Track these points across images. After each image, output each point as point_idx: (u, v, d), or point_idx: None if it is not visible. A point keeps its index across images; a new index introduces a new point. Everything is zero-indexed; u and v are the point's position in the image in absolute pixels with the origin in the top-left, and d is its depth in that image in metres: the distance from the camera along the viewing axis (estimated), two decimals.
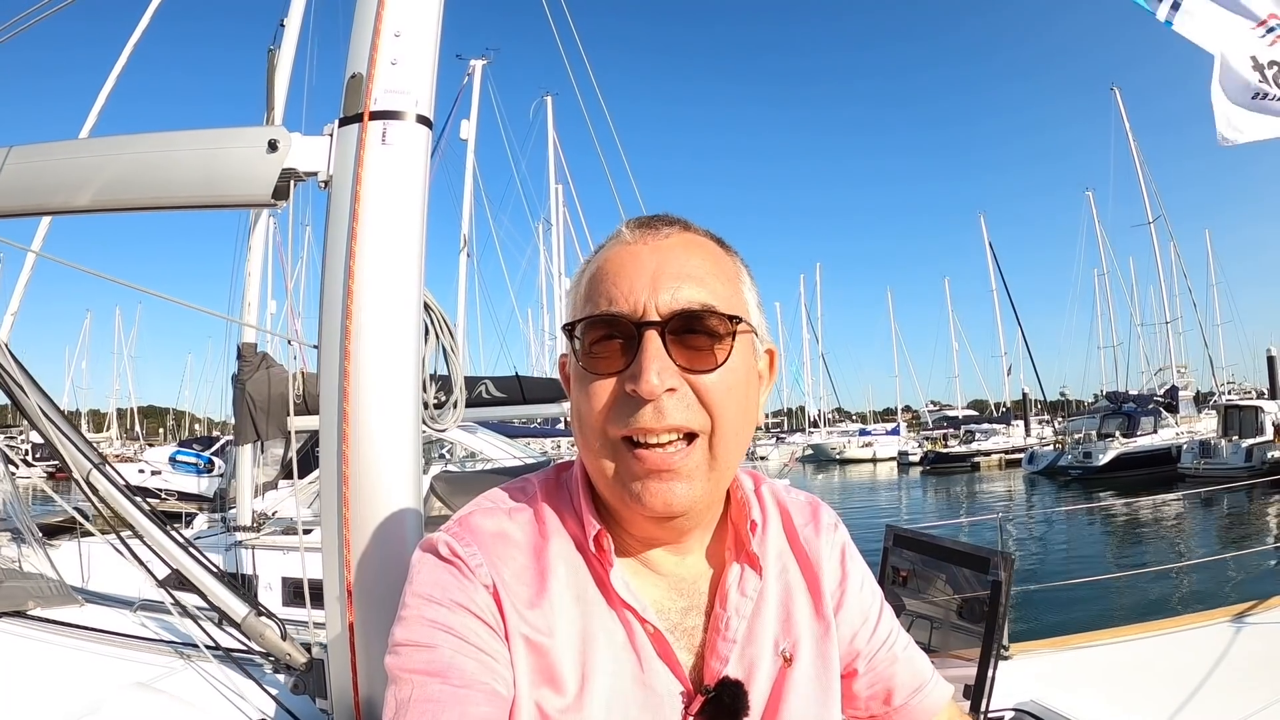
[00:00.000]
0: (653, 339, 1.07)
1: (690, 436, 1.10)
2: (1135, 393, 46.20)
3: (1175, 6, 7.65)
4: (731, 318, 1.12)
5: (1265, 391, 42.07)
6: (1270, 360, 41.45)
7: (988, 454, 52.39)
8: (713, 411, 1.10)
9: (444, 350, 2.62)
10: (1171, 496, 25.58)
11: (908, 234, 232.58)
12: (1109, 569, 14.94)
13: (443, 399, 2.77)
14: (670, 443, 1.09)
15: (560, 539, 1.21)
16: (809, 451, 65.64)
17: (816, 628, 1.29)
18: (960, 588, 2.81)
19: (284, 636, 2.26)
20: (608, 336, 1.11)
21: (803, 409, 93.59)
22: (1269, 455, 31.80)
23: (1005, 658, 3.42)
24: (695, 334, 1.10)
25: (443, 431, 2.82)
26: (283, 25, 7.08)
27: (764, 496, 1.35)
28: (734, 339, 1.12)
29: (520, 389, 9.32)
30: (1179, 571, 13.35)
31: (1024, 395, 63.47)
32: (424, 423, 2.21)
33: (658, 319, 1.08)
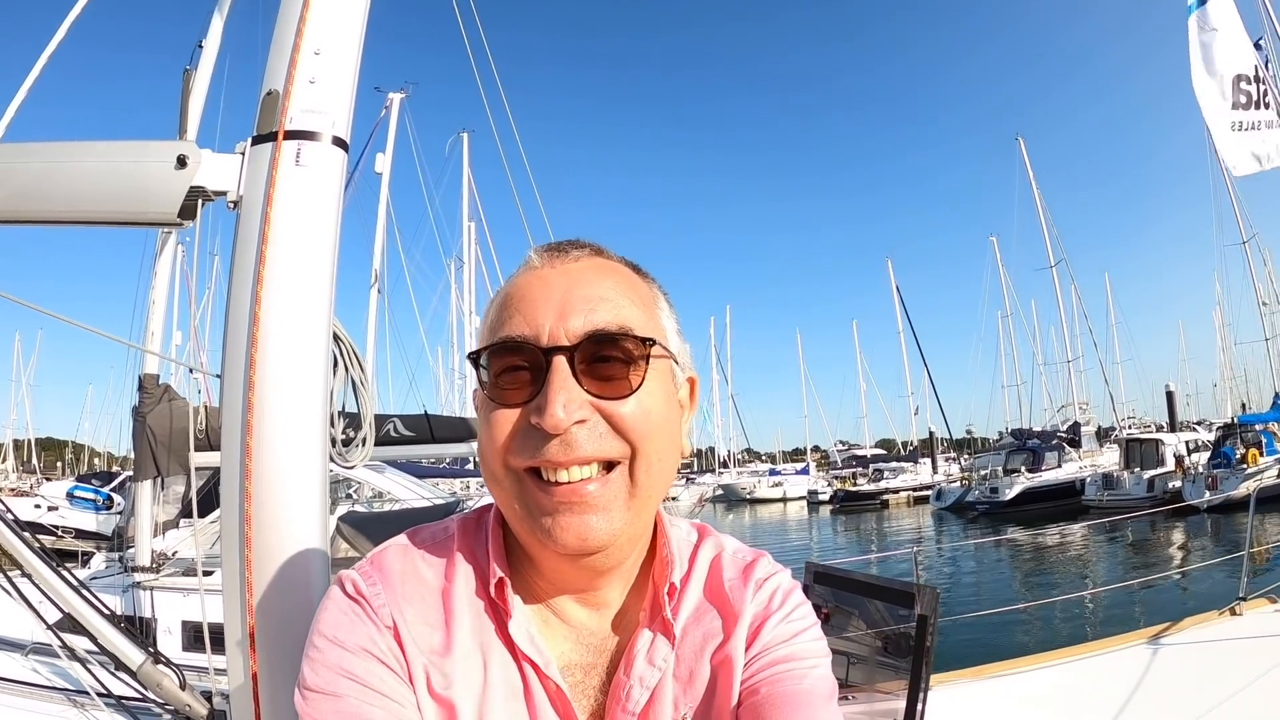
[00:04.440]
0: (560, 366, 1.02)
1: (609, 465, 1.05)
2: (1039, 429, 47.48)
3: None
4: (645, 340, 1.07)
5: (1165, 425, 43.51)
6: (1169, 395, 43.19)
7: (896, 491, 53.09)
8: (631, 438, 1.04)
9: (353, 384, 2.51)
10: (1077, 527, 26.24)
11: (818, 277, 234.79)
12: (1020, 599, 15.16)
13: (351, 435, 2.65)
14: (585, 479, 1.03)
15: (469, 584, 1.14)
16: (719, 492, 65.43)
17: (729, 697, 1.15)
18: (883, 623, 2.80)
19: (183, 685, 2.15)
20: (514, 365, 1.06)
21: (712, 449, 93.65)
22: (1169, 485, 32.90)
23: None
24: (607, 361, 1.05)
25: (350, 469, 2.69)
26: (200, 47, 6.90)
27: (700, 553, 1.26)
28: (649, 363, 1.07)
29: (429, 428, 9.11)
30: (1090, 598, 13.63)
31: (931, 434, 64.78)
32: (331, 460, 2.09)
33: (566, 344, 1.03)
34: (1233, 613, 5.30)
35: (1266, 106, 7.42)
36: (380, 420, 6.76)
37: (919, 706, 2.57)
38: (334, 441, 2.26)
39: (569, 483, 1.02)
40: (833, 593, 3.08)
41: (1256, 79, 7.46)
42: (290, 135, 1.86)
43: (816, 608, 2.82)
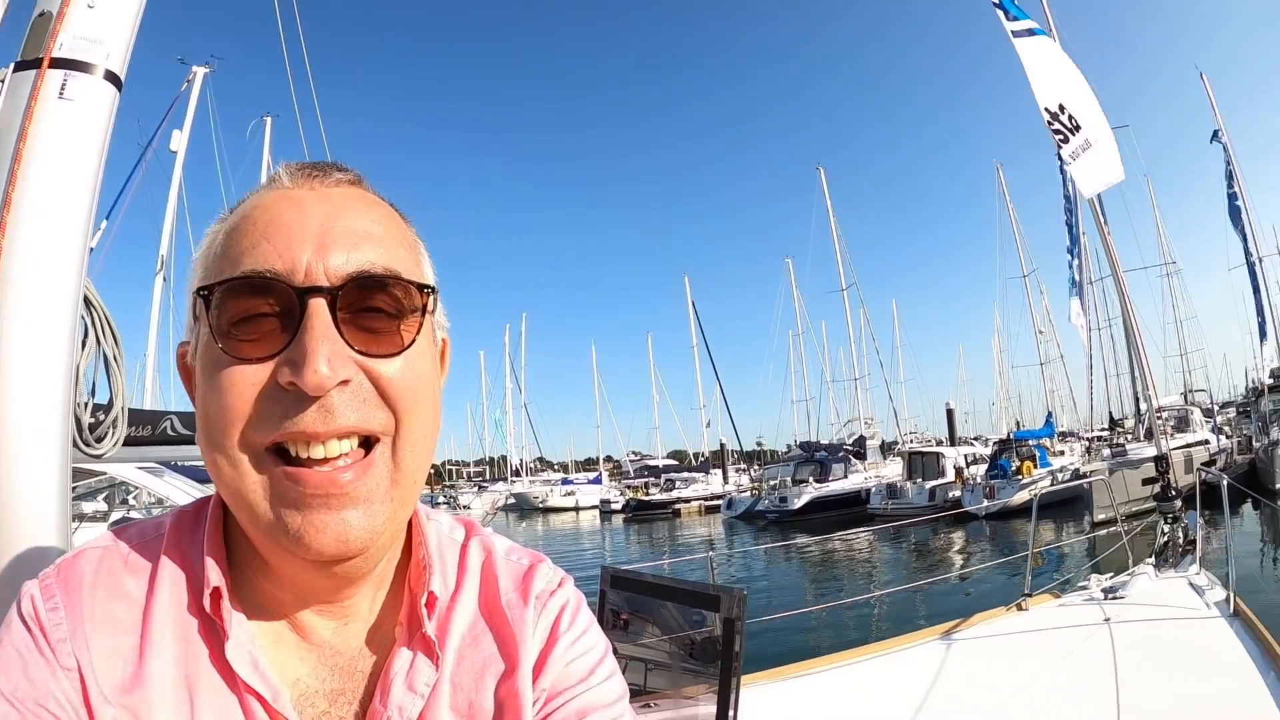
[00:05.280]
0: (320, 312, 0.82)
1: (368, 443, 0.87)
2: (827, 442, 49.20)
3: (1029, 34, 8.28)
4: (422, 287, 0.91)
5: (945, 439, 45.89)
6: (949, 412, 45.84)
7: (688, 501, 53.75)
8: (397, 408, 0.87)
9: (105, 359, 2.16)
10: (862, 531, 27.21)
11: (616, 290, 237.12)
12: (810, 602, 15.52)
13: (101, 418, 2.27)
14: (342, 464, 0.84)
15: (177, 598, 0.91)
16: (511, 500, 65.13)
17: None
18: (686, 627, 2.71)
19: None
20: (257, 310, 0.84)
21: (505, 458, 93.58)
22: (949, 494, 34.80)
23: None
24: (375, 311, 0.88)
25: (98, 458, 2.26)
26: None
27: (468, 555, 1.07)
28: (423, 316, 0.91)
29: None
30: (878, 600, 14.06)
31: (722, 445, 65.93)
32: (76, 446, 1.81)
33: (327, 285, 0.84)
34: (1019, 608, 5.79)
35: (1078, 129, 7.78)
36: (158, 416, 6.21)
37: (730, 712, 2.49)
38: (79, 425, 1.95)
39: (325, 461, 0.83)
40: (631, 598, 2.94)
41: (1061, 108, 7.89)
42: (58, 64, 1.60)
43: (615, 613, 2.89)
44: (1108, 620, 5.38)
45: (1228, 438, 35.80)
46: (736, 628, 2.52)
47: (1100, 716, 3.81)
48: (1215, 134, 29.98)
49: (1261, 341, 30.98)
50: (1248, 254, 29.03)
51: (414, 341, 0.89)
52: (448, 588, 1.02)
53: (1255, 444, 31.67)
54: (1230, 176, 29.07)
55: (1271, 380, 35.84)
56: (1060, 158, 9.76)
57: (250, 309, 0.84)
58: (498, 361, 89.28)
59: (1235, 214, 29.81)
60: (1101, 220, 9.66)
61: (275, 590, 0.93)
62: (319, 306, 0.82)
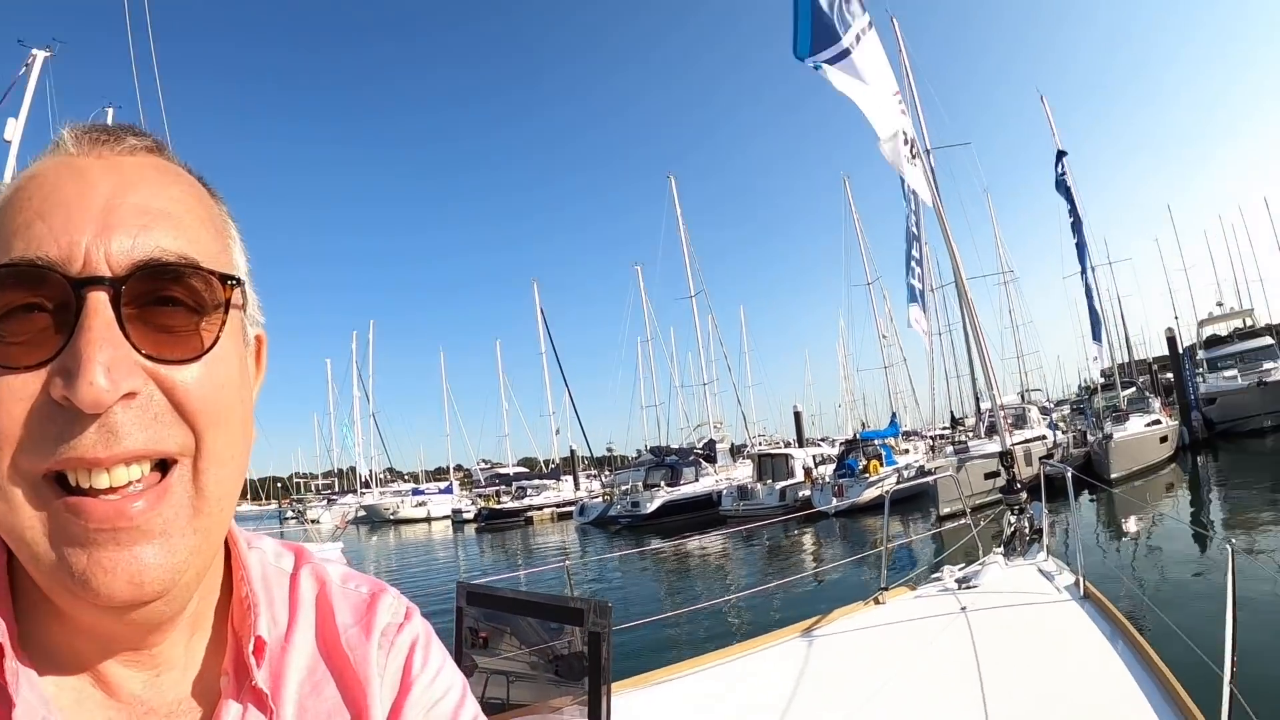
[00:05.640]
0: (99, 308, 0.67)
1: (163, 466, 0.71)
2: (677, 446, 49.32)
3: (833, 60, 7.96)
4: (225, 278, 0.75)
5: (793, 441, 46.51)
6: (797, 415, 46.81)
7: (540, 508, 53.40)
8: (197, 423, 0.72)
9: None
10: (716, 534, 27.21)
11: (464, 296, 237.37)
12: (671, 606, 15.37)
13: None
14: (130, 492, 0.68)
15: None
16: (362, 513, 64.17)
17: None
18: (551, 641, 2.60)
19: None
20: (26, 304, 0.68)
21: (354, 469, 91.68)
22: (799, 494, 35.16)
23: None
24: (169, 304, 0.72)
25: None
26: None
27: (299, 586, 0.91)
28: (227, 313, 0.75)
29: None
30: (738, 600, 14.12)
31: (572, 452, 66.31)
32: None
33: (109, 275, 0.68)
34: (876, 601, 6.06)
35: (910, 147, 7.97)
36: None
37: None
38: None
39: (110, 491, 0.67)
40: (490, 614, 2.82)
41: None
42: None
43: (473, 630, 2.79)
44: (964, 609, 5.58)
45: (1063, 433, 37.56)
46: (603, 640, 2.47)
47: (964, 700, 3.96)
48: (1060, 154, 31.72)
49: (1095, 344, 32.69)
50: (1083, 262, 30.53)
51: (216, 342, 0.75)
52: (278, 626, 0.88)
53: (1090, 438, 33.29)
54: (1070, 191, 30.78)
55: (1104, 379, 38.92)
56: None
57: (18, 303, 0.69)
58: (345, 370, 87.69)
59: (1076, 225, 31.46)
60: (946, 229, 9.84)
61: (73, 639, 0.76)
62: (98, 301, 0.68)
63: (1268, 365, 38.54)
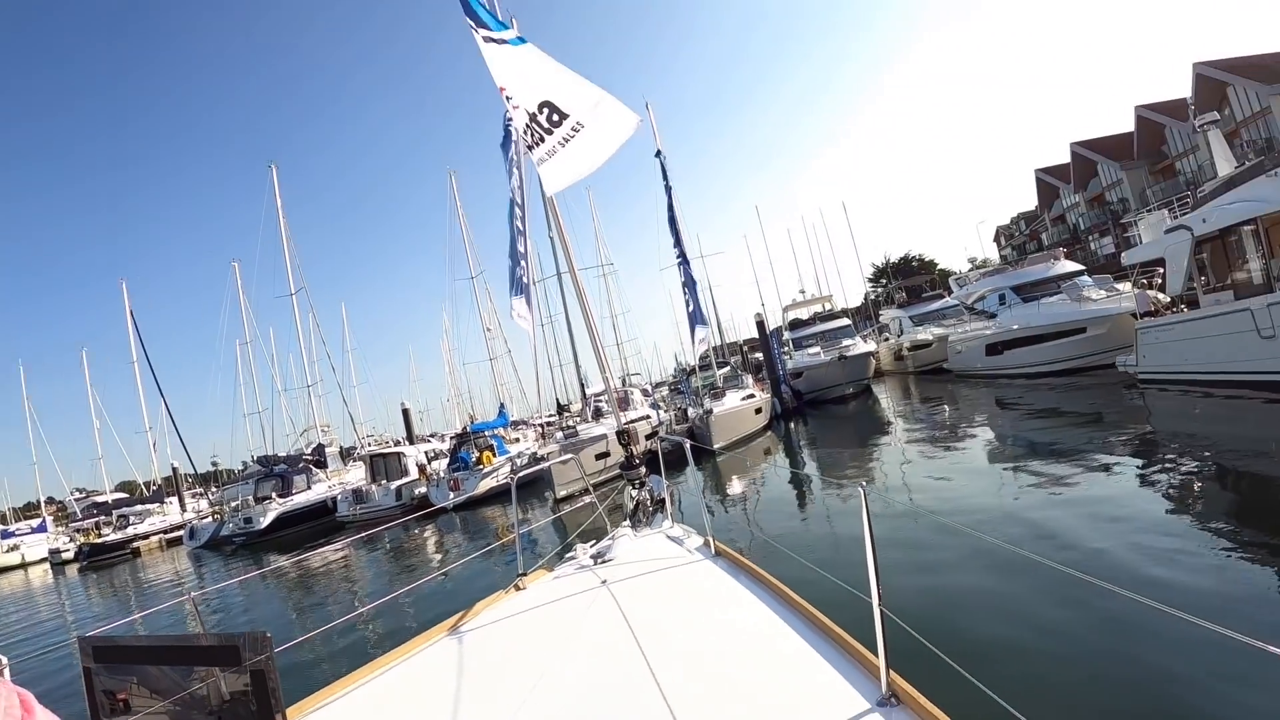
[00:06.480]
0: None
1: None
2: (285, 454, 47.79)
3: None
4: None
5: (404, 439, 46.70)
6: (405, 412, 46.80)
7: (146, 536, 49.98)
8: None
9: None
10: (339, 543, 27.00)
11: (42, 299, 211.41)
12: (311, 625, 14.94)
13: None
14: None
15: None
16: None
17: None
18: (204, 687, 2.42)
19: None
20: None
21: None
22: (416, 492, 35.35)
23: None
24: None
25: None
26: None
27: None
28: None
29: None
30: (379, 608, 13.84)
31: (174, 469, 61.72)
32: None
33: None
34: (517, 588, 6.12)
35: (554, 129, 7.87)
36: None
37: None
38: None
39: None
40: (125, 669, 2.49)
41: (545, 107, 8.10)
42: None
43: (109, 694, 2.46)
44: (604, 582, 5.71)
45: (666, 412, 41.15)
46: (268, 675, 2.38)
47: (627, 668, 4.00)
48: (658, 154, 33.95)
49: (692, 330, 35.79)
50: (682, 255, 33.27)
51: None
52: None
53: (691, 414, 36.21)
54: (669, 190, 33.25)
55: (701, 362, 42.49)
56: (513, 158, 10.29)
57: None
58: None
59: (673, 221, 33.95)
60: (560, 223, 10.37)
61: None
62: None
63: (846, 342, 45.20)
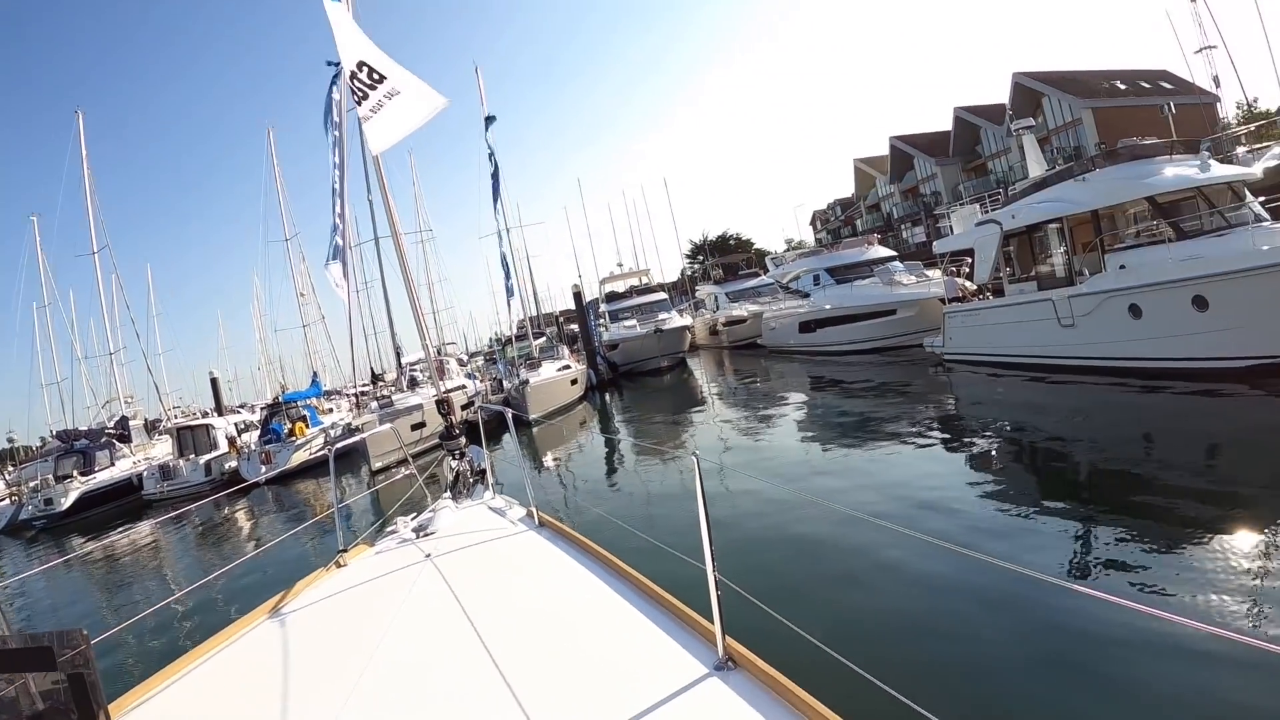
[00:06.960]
0: None
1: None
2: (86, 428, 45.40)
3: None
4: None
5: (212, 410, 44.96)
6: (214, 382, 44.84)
7: None
8: None
9: None
10: (146, 525, 26.02)
11: None
12: (123, 615, 14.17)
13: None
14: None
15: None
16: None
17: None
18: (18, 691, 2.24)
19: None
20: None
21: None
22: (227, 466, 34.23)
23: None
24: None
25: None
26: None
27: None
28: None
29: None
30: (194, 592, 13.15)
31: None
32: None
33: None
34: (339, 565, 6.02)
35: (376, 86, 8.00)
36: None
37: None
38: None
39: None
40: None
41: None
42: None
43: None
44: (428, 556, 5.67)
45: (481, 382, 41.40)
46: (88, 678, 2.21)
47: (457, 642, 3.99)
48: (489, 120, 34.28)
49: (509, 300, 36.09)
50: (501, 225, 33.23)
51: None
52: None
53: (506, 384, 36.57)
54: (493, 159, 33.34)
55: (518, 332, 43.87)
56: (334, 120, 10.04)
57: None
58: None
59: (495, 191, 34.14)
60: (385, 184, 10.09)
61: None
62: None
63: (662, 316, 45.96)
